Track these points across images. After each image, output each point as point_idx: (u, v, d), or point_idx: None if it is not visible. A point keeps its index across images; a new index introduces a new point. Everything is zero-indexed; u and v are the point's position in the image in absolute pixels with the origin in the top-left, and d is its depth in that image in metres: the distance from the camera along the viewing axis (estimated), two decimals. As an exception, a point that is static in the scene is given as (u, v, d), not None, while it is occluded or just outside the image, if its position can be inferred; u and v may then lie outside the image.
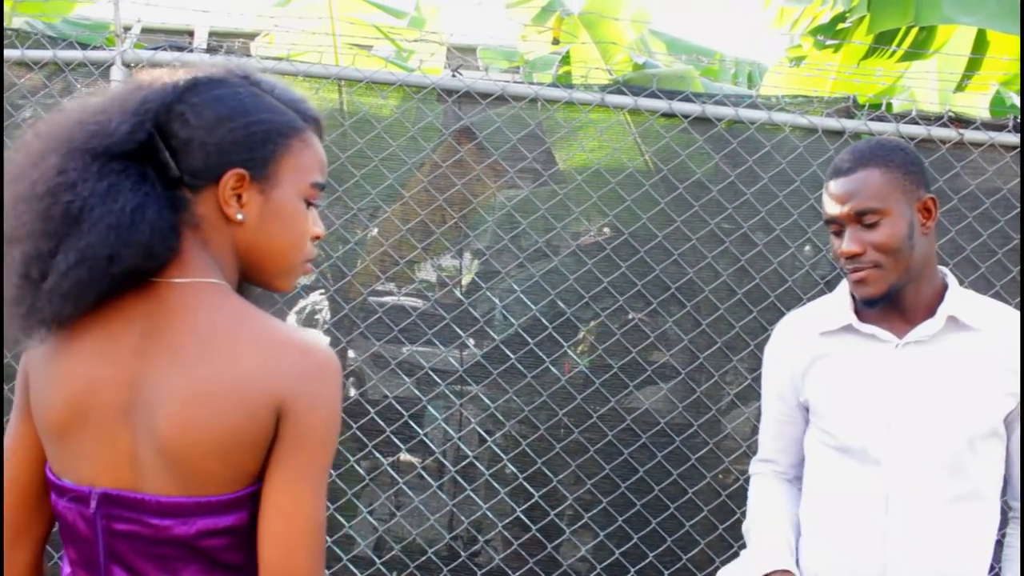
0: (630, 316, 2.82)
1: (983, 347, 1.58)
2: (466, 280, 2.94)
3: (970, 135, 2.89)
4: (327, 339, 1.24)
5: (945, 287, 1.63)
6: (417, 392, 2.80)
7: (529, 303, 2.82)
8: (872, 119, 2.90)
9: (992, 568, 1.63)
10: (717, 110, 2.81)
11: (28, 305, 1.04)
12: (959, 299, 1.61)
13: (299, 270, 1.18)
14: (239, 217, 1.11)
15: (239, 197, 1.11)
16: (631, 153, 2.87)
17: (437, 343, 2.81)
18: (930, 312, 1.61)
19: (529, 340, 2.78)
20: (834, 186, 1.60)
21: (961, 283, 2.78)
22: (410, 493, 2.83)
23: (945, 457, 1.56)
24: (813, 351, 1.68)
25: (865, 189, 1.57)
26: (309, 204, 1.16)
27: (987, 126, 2.93)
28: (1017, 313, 1.65)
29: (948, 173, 2.87)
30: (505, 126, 2.81)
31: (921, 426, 1.57)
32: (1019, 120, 2.98)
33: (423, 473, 2.83)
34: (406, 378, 2.77)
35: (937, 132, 2.88)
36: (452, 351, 2.82)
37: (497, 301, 2.82)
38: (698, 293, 2.81)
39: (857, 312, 1.65)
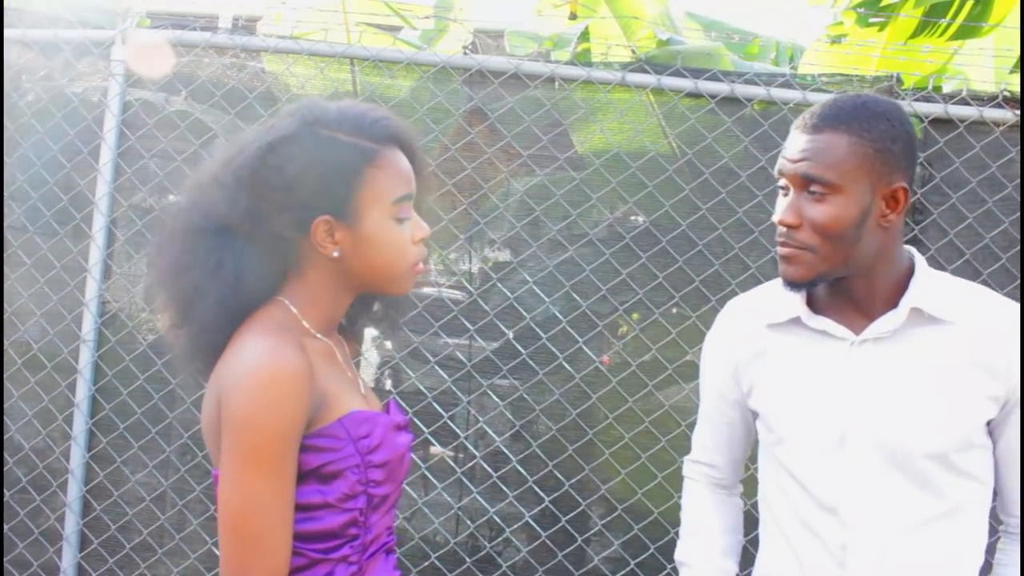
0: (652, 311, 2.64)
1: (956, 344, 1.33)
2: (482, 270, 2.79)
3: (1027, 117, 2.66)
4: (269, 352, 1.19)
5: (911, 273, 1.38)
6: (453, 387, 2.66)
7: (543, 296, 2.65)
8: (917, 99, 2.68)
9: None
10: (747, 90, 2.61)
11: (177, 357, 1.32)
12: (928, 287, 1.36)
13: (408, 275, 1.30)
14: (335, 254, 1.26)
15: (332, 237, 1.25)
16: (654, 136, 2.68)
17: (447, 339, 2.67)
18: (892, 303, 1.36)
19: (542, 335, 2.62)
20: (793, 140, 1.36)
21: (1012, 280, 2.59)
22: (435, 484, 2.70)
23: (912, 474, 1.33)
24: (755, 345, 1.46)
25: (822, 155, 1.31)
26: (402, 218, 1.27)
27: (1046, 107, 2.69)
28: (1004, 302, 1.39)
29: (1003, 158, 2.63)
30: (519, 107, 2.64)
31: (880, 438, 1.34)
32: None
33: (452, 465, 2.69)
34: (427, 372, 2.64)
35: (990, 113, 2.64)
36: (465, 344, 2.67)
37: (509, 293, 2.65)
38: (725, 287, 2.61)
39: (811, 302, 1.41)
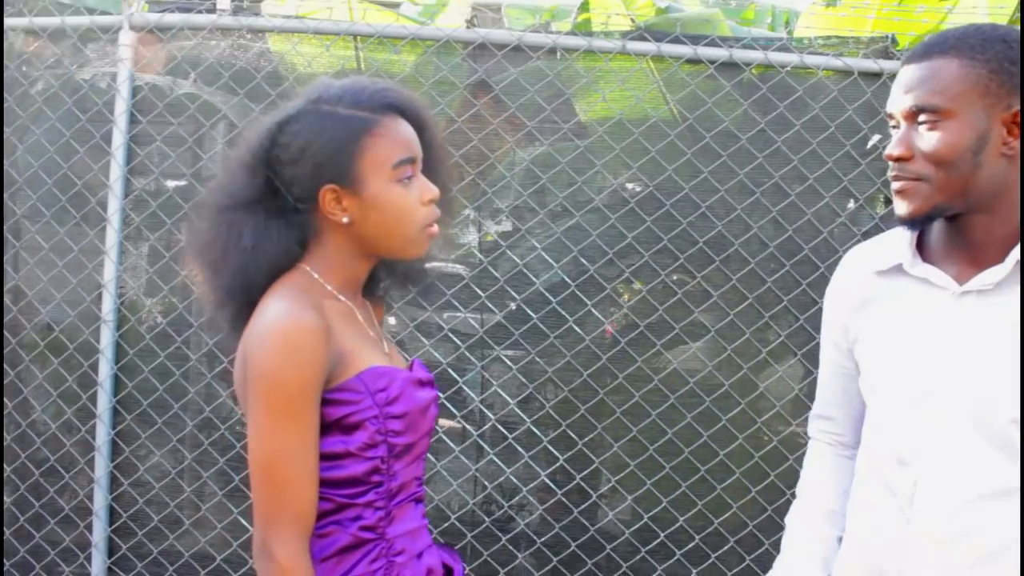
0: (657, 273, 2.71)
1: None
2: (487, 239, 2.85)
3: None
4: (288, 312, 1.30)
5: None
6: (467, 353, 2.73)
7: (552, 262, 2.72)
8: (912, 58, 2.73)
9: None
10: (745, 54, 2.66)
11: (212, 322, 1.47)
12: None
13: (419, 236, 1.37)
14: (345, 220, 1.35)
15: (340, 204, 1.34)
16: (655, 102, 2.74)
17: (458, 305, 2.74)
18: (1005, 254, 1.26)
19: (551, 298, 2.69)
20: (902, 74, 1.29)
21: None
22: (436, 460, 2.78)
23: (994, 438, 1.24)
24: (863, 293, 1.39)
25: (931, 81, 1.24)
26: (406, 180, 1.35)
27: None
28: None
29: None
30: (522, 78, 2.70)
31: (967, 396, 1.26)
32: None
33: (469, 428, 2.77)
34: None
35: (983, 70, 2.70)
36: (475, 315, 2.75)
37: (519, 260, 2.72)
38: (728, 247, 2.69)
39: (922, 250, 1.33)
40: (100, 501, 2.84)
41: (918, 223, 1.30)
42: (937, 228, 1.33)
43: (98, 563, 2.85)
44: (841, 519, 1.46)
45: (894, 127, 1.31)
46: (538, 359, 2.71)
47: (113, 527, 2.85)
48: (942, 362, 1.28)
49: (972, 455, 1.25)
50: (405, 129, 1.37)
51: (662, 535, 2.68)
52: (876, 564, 1.33)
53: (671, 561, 2.69)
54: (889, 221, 2.66)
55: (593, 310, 2.70)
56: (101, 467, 2.84)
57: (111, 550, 2.85)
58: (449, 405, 2.77)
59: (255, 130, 1.39)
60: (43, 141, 2.89)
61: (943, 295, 1.29)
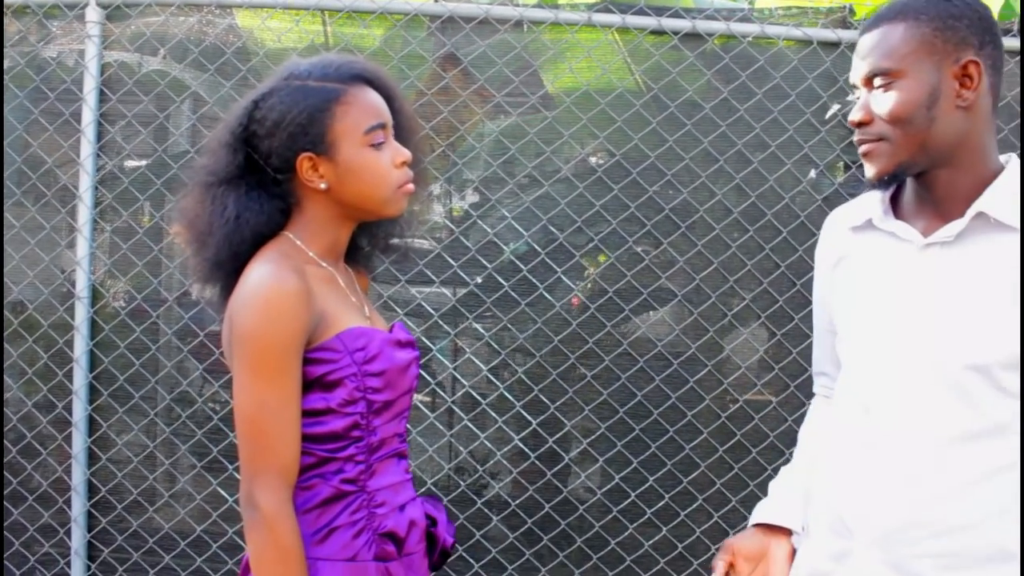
0: (625, 240, 2.77)
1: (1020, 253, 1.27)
2: (457, 210, 2.90)
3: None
4: (270, 276, 1.38)
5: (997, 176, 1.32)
6: (440, 321, 2.78)
7: (522, 231, 2.78)
8: (869, 28, 2.81)
9: None
10: (708, 25, 2.73)
11: (202, 291, 1.54)
12: (1005, 192, 1.29)
13: (395, 196, 1.45)
14: (323, 186, 1.43)
15: (317, 171, 1.42)
16: (621, 73, 2.80)
17: (431, 275, 2.78)
18: (968, 207, 1.31)
19: (522, 266, 2.75)
20: (857, 45, 1.36)
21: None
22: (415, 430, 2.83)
23: (951, 385, 1.28)
24: (841, 249, 1.46)
25: (881, 46, 1.30)
26: (378, 145, 1.42)
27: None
28: None
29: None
30: (490, 50, 2.74)
31: (926, 345, 1.30)
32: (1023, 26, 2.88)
33: (443, 395, 2.83)
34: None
35: (937, 39, 2.79)
36: (447, 287, 2.80)
37: (489, 230, 2.78)
38: (693, 213, 2.76)
39: (896, 207, 1.39)
40: (78, 477, 2.87)
41: (885, 183, 1.35)
42: (908, 186, 1.38)
43: (78, 538, 2.88)
44: None
45: (858, 97, 1.36)
46: (510, 325, 2.77)
47: (92, 502, 2.88)
48: (904, 312, 1.32)
49: (930, 401, 1.29)
50: (373, 97, 1.45)
51: (632, 495, 2.76)
52: (839, 511, 1.37)
53: (641, 520, 2.77)
54: (848, 187, 2.75)
55: (563, 277, 2.76)
56: (78, 443, 2.86)
57: (90, 525, 2.88)
58: (424, 374, 2.82)
59: (232, 111, 1.47)
60: (11, 119, 2.89)
61: (908, 248, 1.34)
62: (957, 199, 1.32)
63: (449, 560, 2.77)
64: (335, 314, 1.42)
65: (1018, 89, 2.79)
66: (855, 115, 1.34)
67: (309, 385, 1.39)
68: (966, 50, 1.29)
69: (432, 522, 1.53)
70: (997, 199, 1.29)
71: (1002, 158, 1.37)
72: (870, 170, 1.34)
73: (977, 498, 1.27)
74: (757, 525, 1.48)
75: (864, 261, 1.40)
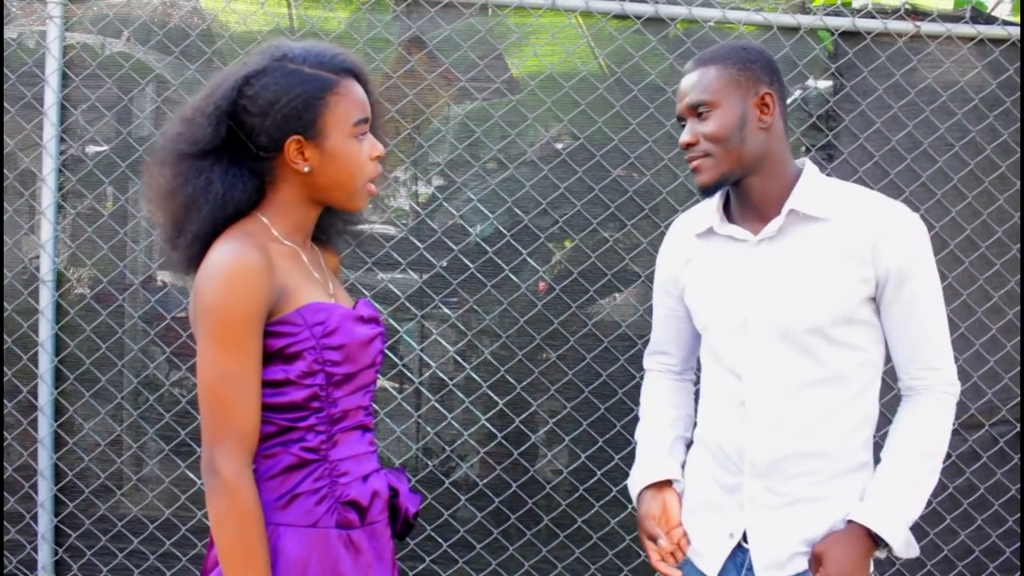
0: (589, 222, 2.81)
1: (831, 236, 1.63)
2: (423, 196, 2.92)
3: (927, 28, 2.86)
4: (232, 252, 1.43)
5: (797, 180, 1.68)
6: (407, 303, 2.80)
7: (488, 213, 2.80)
8: (828, 14, 2.86)
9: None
10: (670, 10, 2.77)
11: (171, 262, 1.53)
12: (808, 191, 1.65)
13: (363, 191, 1.51)
14: (306, 169, 1.47)
15: (303, 154, 1.46)
16: (584, 57, 2.83)
17: (398, 257, 2.80)
18: (780, 208, 1.66)
19: (488, 248, 2.77)
20: (681, 84, 1.70)
21: (916, 179, 2.82)
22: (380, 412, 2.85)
23: (796, 345, 1.62)
24: (687, 252, 1.78)
25: (699, 84, 1.66)
26: (360, 137, 1.48)
27: (944, 18, 2.89)
28: (872, 198, 1.68)
29: (905, 67, 2.85)
30: (455, 34, 2.76)
31: (772, 318, 1.64)
32: (976, 11, 2.95)
33: (411, 376, 2.85)
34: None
35: (894, 25, 2.85)
36: (413, 269, 2.82)
37: (455, 212, 2.80)
38: (656, 195, 2.80)
39: (728, 215, 1.73)
40: (45, 461, 2.86)
41: (712, 190, 1.67)
42: (733, 195, 1.72)
43: (45, 523, 2.87)
44: (681, 425, 1.86)
45: (682, 124, 1.70)
46: (476, 307, 2.80)
47: (59, 487, 2.88)
48: (750, 295, 1.66)
49: (783, 361, 1.64)
50: (360, 91, 1.51)
51: (599, 473, 2.81)
52: (720, 447, 1.70)
53: (607, 499, 2.82)
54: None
55: (529, 259, 2.80)
56: (44, 427, 2.85)
57: (57, 511, 2.88)
58: (392, 356, 2.85)
59: (215, 84, 1.48)
60: (-28, 102, 2.86)
61: (745, 246, 1.69)
62: (770, 201, 1.68)
63: (416, 538, 2.81)
64: (296, 289, 1.46)
65: (906, 68, 2.85)
66: (686, 137, 1.67)
67: (270, 357, 1.43)
68: (762, 85, 1.66)
69: (394, 493, 1.56)
70: (802, 198, 1.65)
71: (797, 162, 1.72)
72: (700, 180, 1.67)
73: (828, 429, 1.63)
74: (647, 487, 1.77)
75: (711, 260, 1.73)
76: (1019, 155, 2.89)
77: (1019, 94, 2.87)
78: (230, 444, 1.37)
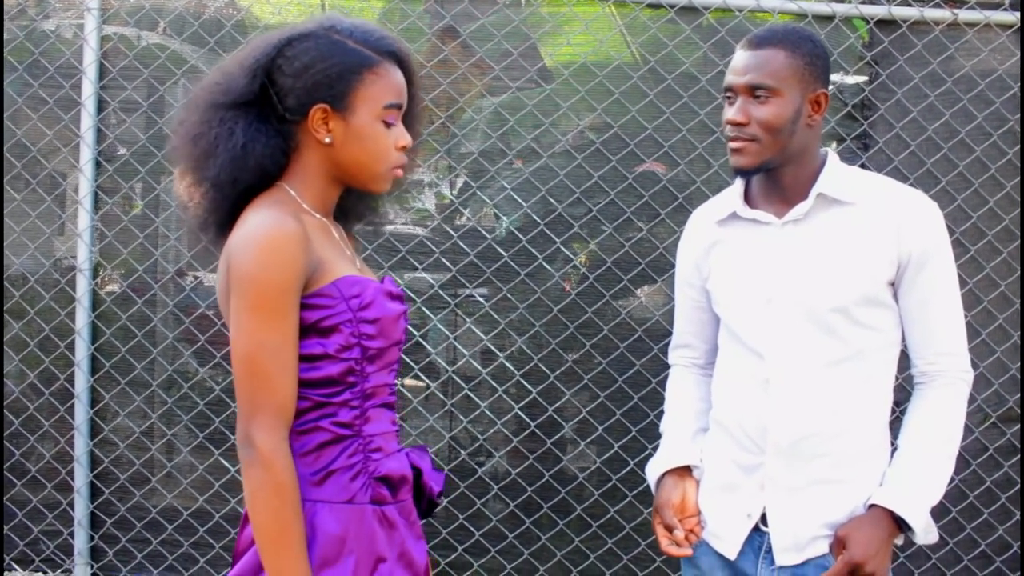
0: (622, 212, 2.80)
1: (857, 220, 1.65)
2: (445, 198, 2.92)
3: (964, 15, 2.83)
4: (270, 219, 1.40)
5: (823, 167, 1.70)
6: (440, 292, 2.81)
7: (522, 202, 2.80)
8: (864, 2, 2.84)
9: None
10: (704, -2, 2.75)
11: (192, 223, 1.52)
12: (833, 177, 1.67)
13: (387, 176, 1.49)
14: (327, 140, 1.45)
15: (326, 124, 1.44)
16: (618, 46, 2.82)
17: (431, 246, 2.81)
18: (807, 192, 1.68)
19: (521, 237, 2.77)
20: (739, 57, 1.66)
21: (953, 168, 2.79)
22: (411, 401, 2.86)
23: (820, 324, 1.63)
24: (710, 238, 1.78)
25: (766, 66, 1.63)
26: (389, 123, 1.46)
27: (982, 5, 2.86)
28: (894, 185, 1.70)
29: (942, 55, 2.82)
30: (489, 24, 2.76)
31: (797, 297, 1.65)
32: (1015, -2, 2.91)
33: (445, 366, 2.85)
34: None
35: (931, 13, 2.82)
36: (445, 257, 2.82)
37: (488, 200, 2.80)
38: (690, 185, 2.79)
39: (749, 200, 1.73)
40: (81, 448, 2.89)
41: (750, 174, 1.68)
42: (759, 180, 1.72)
43: (81, 509, 2.90)
44: (705, 418, 1.83)
45: (729, 99, 1.67)
46: (509, 295, 2.80)
47: (94, 473, 2.91)
48: (776, 276, 1.67)
49: (807, 339, 1.65)
50: (399, 77, 1.48)
51: (632, 463, 2.80)
52: (741, 426, 1.70)
53: (640, 489, 2.81)
54: (843, 158, 2.78)
55: (563, 248, 2.79)
56: (81, 414, 2.89)
57: (92, 497, 2.91)
58: (423, 343, 2.85)
59: (263, 39, 1.48)
60: (10, 92, 2.90)
61: (770, 228, 1.70)
62: (798, 187, 1.68)
63: (448, 527, 2.81)
64: (331, 261, 1.44)
65: (943, 56, 2.80)
66: (737, 116, 1.64)
67: (306, 331, 1.41)
68: (820, 83, 1.66)
69: (417, 472, 1.54)
70: (829, 183, 1.67)
71: (820, 151, 1.73)
72: (740, 161, 1.66)
73: (850, 409, 1.64)
74: (668, 473, 1.76)
75: (735, 243, 1.74)
76: (1058, 144, 2.85)
77: (1058, 83, 2.83)
78: (267, 416, 1.35)
